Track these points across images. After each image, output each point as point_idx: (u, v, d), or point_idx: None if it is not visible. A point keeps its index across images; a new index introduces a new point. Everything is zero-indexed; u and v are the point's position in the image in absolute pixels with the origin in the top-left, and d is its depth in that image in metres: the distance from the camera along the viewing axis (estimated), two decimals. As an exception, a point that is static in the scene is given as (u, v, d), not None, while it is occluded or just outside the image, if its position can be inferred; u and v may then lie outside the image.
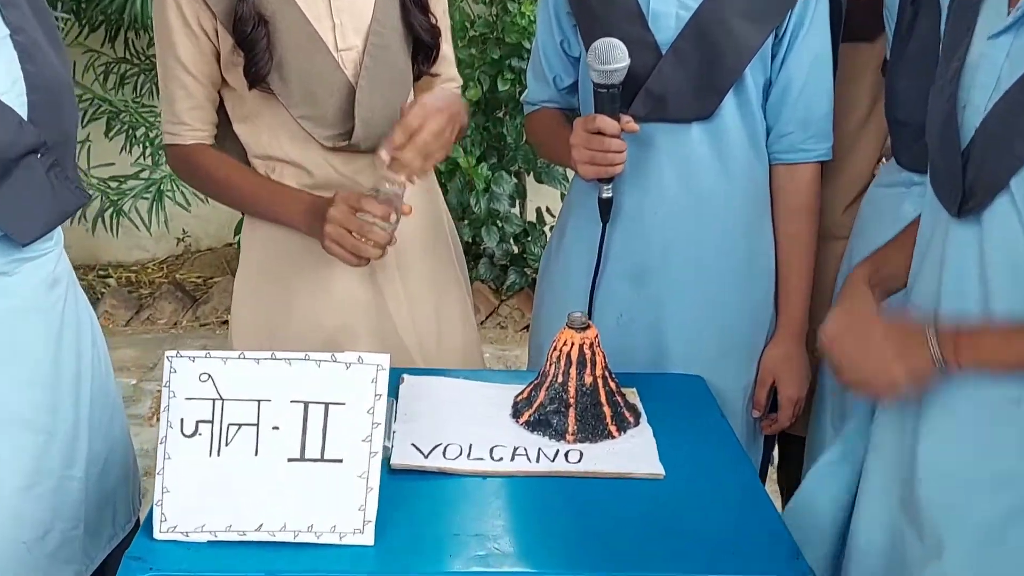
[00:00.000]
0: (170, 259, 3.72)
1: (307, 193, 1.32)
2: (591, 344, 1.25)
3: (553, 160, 1.56)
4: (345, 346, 1.36)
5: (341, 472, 1.02)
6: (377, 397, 1.04)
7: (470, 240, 3.26)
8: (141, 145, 3.00)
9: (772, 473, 1.76)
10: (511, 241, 3.34)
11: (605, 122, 1.27)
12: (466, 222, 3.23)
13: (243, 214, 1.43)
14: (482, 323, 3.44)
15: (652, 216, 1.38)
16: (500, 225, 3.25)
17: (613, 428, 1.23)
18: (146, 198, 2.97)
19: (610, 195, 1.36)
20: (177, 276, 3.60)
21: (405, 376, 1.33)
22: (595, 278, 1.41)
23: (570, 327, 1.26)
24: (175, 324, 3.36)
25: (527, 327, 3.59)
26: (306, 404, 1.03)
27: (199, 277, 3.61)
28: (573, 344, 1.25)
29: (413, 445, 1.17)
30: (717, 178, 1.36)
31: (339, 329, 1.39)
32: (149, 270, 3.67)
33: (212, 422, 1.02)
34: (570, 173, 1.40)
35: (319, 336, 1.39)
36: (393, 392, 1.27)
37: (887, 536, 1.06)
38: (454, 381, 1.33)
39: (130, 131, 2.99)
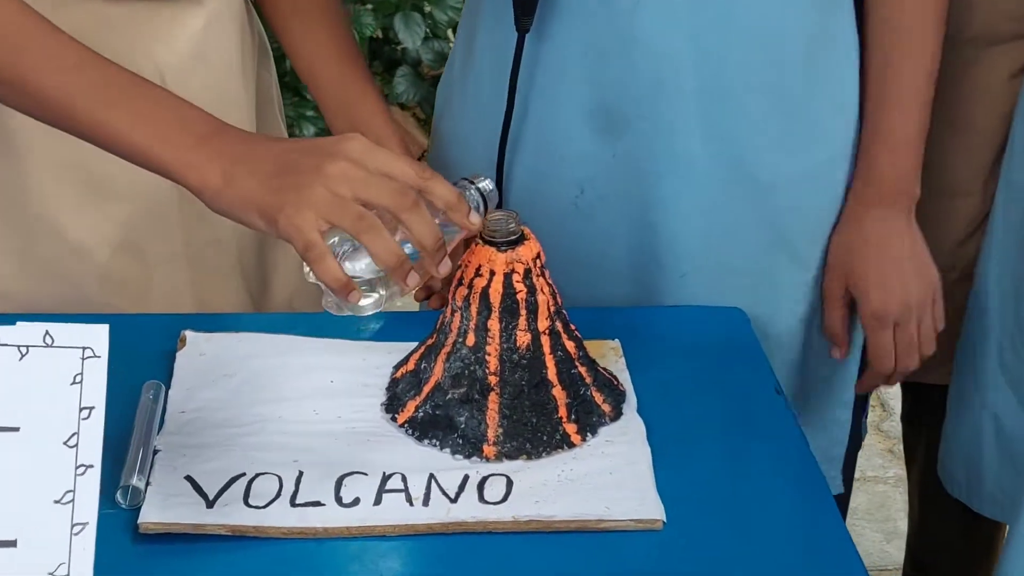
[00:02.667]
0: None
1: (190, 105, 1.06)
2: (527, 272, 1.05)
3: None
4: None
5: (13, 566, 0.87)
6: (85, 414, 0.87)
7: (379, 36, 3.14)
8: None
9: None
10: (448, 36, 3.22)
11: None
12: (370, 6, 3.09)
13: None
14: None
15: (629, 10, 1.23)
16: (426, 11, 3.04)
17: (571, 429, 1.06)
18: None
19: None
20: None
21: (187, 334, 1.17)
22: (505, 131, 1.28)
23: (487, 240, 1.05)
24: None
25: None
26: (-63, 433, 0.87)
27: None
28: (493, 274, 1.04)
29: (189, 480, 1.00)
30: None
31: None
32: None
33: None
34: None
35: None
36: (162, 371, 1.12)
37: None
38: (285, 341, 1.17)
39: None
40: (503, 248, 1.04)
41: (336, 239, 0.96)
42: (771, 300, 1.30)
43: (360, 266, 0.97)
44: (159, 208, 1.26)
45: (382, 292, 0.99)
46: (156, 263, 1.27)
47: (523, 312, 1.04)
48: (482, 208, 1.05)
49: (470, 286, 1.04)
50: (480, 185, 1.05)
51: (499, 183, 1.30)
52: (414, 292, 1.36)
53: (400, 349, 1.14)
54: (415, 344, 1.11)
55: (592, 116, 1.27)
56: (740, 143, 1.26)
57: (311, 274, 0.98)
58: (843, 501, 1.46)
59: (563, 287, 1.23)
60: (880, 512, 2.36)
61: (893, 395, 2.42)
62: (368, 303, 0.98)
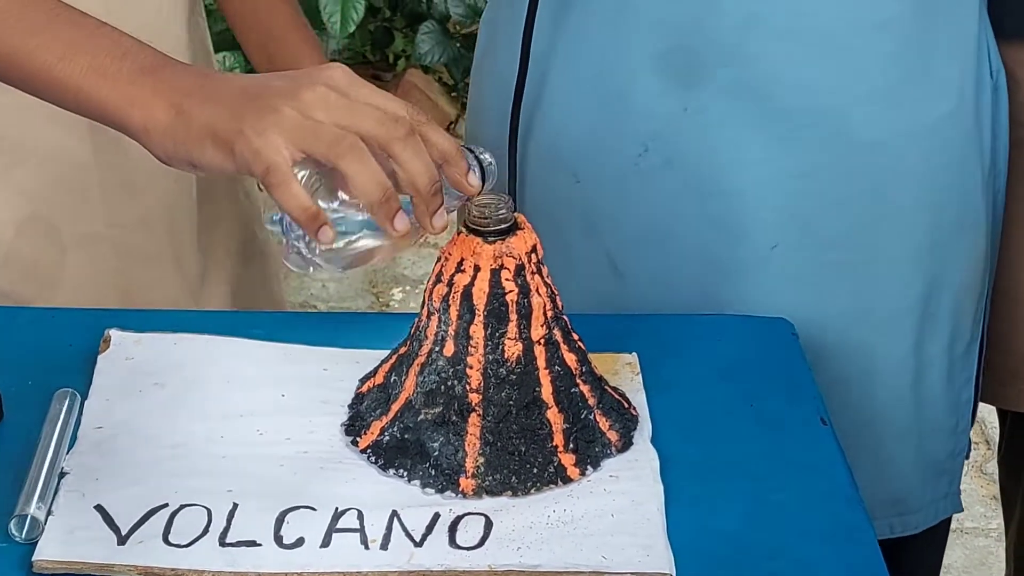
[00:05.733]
0: None
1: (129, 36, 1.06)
2: (519, 269, 1.04)
3: None
4: None
5: None
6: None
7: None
8: None
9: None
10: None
11: None
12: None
13: None
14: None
15: None
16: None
17: (567, 460, 1.05)
18: None
19: None
20: None
21: (112, 333, 1.16)
22: (521, 80, 1.27)
23: (472, 227, 1.04)
24: None
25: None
26: None
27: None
28: (478, 269, 1.04)
29: (99, 510, 0.99)
30: None
31: None
32: None
33: None
34: None
35: None
36: (80, 376, 1.11)
37: None
38: (230, 345, 1.17)
39: None
40: (491, 238, 1.02)
41: (305, 174, 0.95)
42: (875, 277, 1.30)
43: (334, 204, 0.96)
44: (75, 177, 1.26)
45: (359, 242, 0.99)
46: (71, 244, 1.26)
47: (513, 317, 1.03)
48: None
49: (450, 283, 1.03)
50: (481, 156, 1.05)
51: (512, 151, 1.29)
52: None
53: (372, 358, 1.12)
54: (380, 349, 1.10)
55: (661, 61, 1.26)
56: (838, 93, 1.25)
57: (271, 215, 0.97)
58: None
59: (617, 260, 1.30)
60: (980, 571, 2.33)
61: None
62: (341, 249, 0.98)
